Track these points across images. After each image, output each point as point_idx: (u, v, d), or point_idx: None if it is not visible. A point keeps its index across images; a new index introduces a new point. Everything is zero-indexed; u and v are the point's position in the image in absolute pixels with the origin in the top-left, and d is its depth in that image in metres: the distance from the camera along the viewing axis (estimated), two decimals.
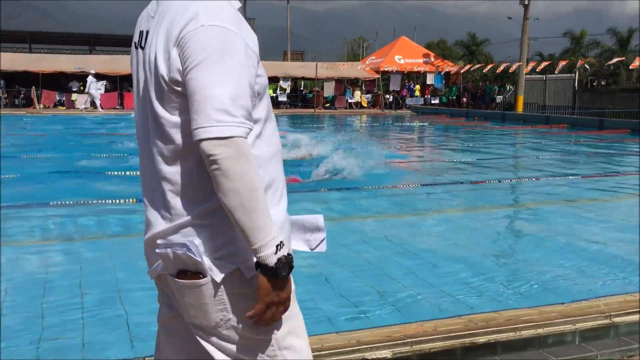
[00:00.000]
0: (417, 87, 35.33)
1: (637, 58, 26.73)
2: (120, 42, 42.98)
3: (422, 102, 34.30)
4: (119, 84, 29.66)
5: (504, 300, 4.08)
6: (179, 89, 1.37)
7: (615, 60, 28.40)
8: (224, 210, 1.35)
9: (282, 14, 50.97)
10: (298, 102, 33.59)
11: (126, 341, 3.31)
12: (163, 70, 1.38)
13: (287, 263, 1.38)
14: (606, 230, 6.20)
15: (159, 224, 1.46)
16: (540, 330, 3.31)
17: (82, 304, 3.81)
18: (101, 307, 3.77)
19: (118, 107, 29.20)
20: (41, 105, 27.75)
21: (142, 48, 1.48)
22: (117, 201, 6.96)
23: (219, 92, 1.30)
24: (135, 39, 1.54)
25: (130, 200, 6.93)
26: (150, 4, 1.53)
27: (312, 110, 30.79)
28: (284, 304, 1.42)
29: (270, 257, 1.35)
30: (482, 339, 3.18)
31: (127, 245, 5.23)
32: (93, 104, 27.58)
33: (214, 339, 1.47)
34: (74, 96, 28.78)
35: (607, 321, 3.48)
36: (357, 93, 34.02)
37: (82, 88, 29.12)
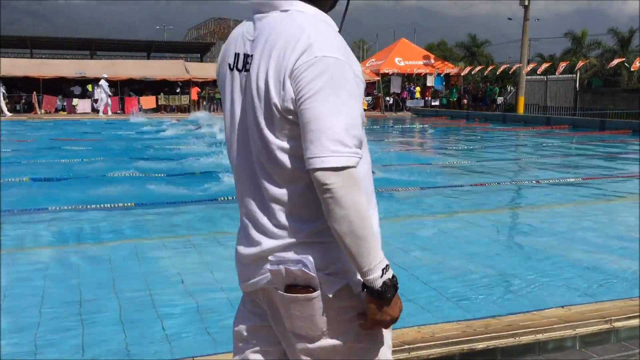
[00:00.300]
0: (418, 89, 35.31)
1: (638, 59, 26.72)
2: (121, 47, 43.08)
3: (423, 104, 34.28)
4: (119, 89, 29.69)
5: (503, 304, 4.06)
6: (291, 117, 1.41)
7: (616, 61, 28.35)
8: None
9: None
10: None
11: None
12: (275, 99, 1.42)
13: (392, 285, 1.45)
14: (607, 233, 6.18)
15: (267, 242, 1.52)
16: (540, 336, 3.29)
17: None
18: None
19: (119, 111, 29.22)
20: (42, 111, 27.80)
21: (240, 71, 1.53)
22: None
23: (334, 122, 1.35)
24: (229, 60, 1.57)
25: None
26: (246, 26, 1.56)
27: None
28: (393, 321, 1.50)
29: (377, 280, 1.42)
30: (480, 345, 3.15)
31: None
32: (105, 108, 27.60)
33: (317, 347, 1.53)
34: (75, 101, 28.82)
35: (607, 326, 3.46)
36: None
37: (89, 89, 29.10)
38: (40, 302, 4.01)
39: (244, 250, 1.60)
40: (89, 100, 29.09)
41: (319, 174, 1.35)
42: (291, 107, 1.40)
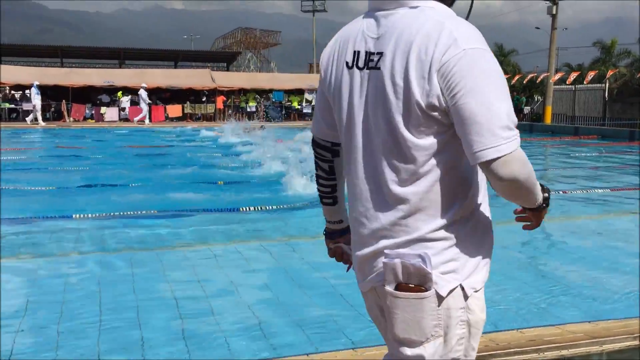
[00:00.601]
0: None
1: None
2: (149, 56, 43.74)
3: None
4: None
5: (527, 317, 3.97)
6: (435, 113, 1.41)
7: None
8: (453, 227, 1.48)
9: (308, 26, 51.27)
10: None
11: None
12: (418, 96, 1.40)
13: (548, 197, 1.60)
14: (636, 246, 6.03)
15: (384, 240, 1.52)
16: (564, 352, 3.21)
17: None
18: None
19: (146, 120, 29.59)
20: (71, 119, 28.28)
21: (361, 69, 1.52)
22: None
23: (498, 111, 1.36)
24: (347, 58, 1.55)
25: None
26: (365, 24, 1.54)
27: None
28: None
29: (539, 201, 1.57)
30: None
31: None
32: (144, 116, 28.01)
33: (417, 353, 1.51)
34: (103, 109, 29.26)
35: (635, 343, 3.35)
36: None
37: (119, 96, 29.53)
38: (98, 306, 4.05)
39: (360, 250, 1.59)
40: (117, 108, 29.51)
41: (499, 162, 1.36)
42: (436, 103, 1.39)
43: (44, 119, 27.36)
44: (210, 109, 30.90)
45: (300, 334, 3.69)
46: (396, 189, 1.48)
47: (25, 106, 28.45)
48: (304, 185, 8.66)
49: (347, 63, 1.55)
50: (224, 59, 48.71)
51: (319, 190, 1.84)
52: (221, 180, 9.94)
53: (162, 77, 31.15)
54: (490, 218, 1.61)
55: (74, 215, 7.00)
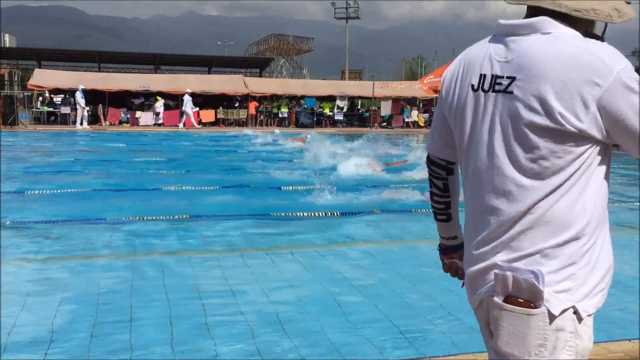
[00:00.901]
0: None
1: None
2: (184, 62, 44.39)
3: None
4: (180, 103, 30.49)
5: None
6: (574, 134, 1.43)
7: None
8: (571, 246, 1.46)
9: (341, 33, 51.38)
10: (354, 121, 33.63)
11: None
12: (560, 118, 1.42)
13: None
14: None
15: (499, 255, 1.53)
16: None
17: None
18: None
19: (179, 125, 30.00)
20: (107, 123, 28.80)
21: (486, 91, 1.55)
22: None
23: None
24: (472, 81, 1.60)
25: None
26: (492, 48, 1.58)
27: (368, 129, 30.73)
28: None
29: None
30: None
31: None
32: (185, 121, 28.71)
33: None
34: (138, 114, 29.74)
35: None
36: (415, 112, 33.78)
37: (157, 99, 30.00)
38: (142, 305, 4.09)
39: (473, 266, 1.61)
40: (151, 113, 29.96)
41: None
42: (583, 124, 1.41)
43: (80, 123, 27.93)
44: (242, 114, 31.16)
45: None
46: (518, 207, 1.50)
47: (63, 109, 29.12)
48: None
49: (472, 86, 1.59)
50: (257, 65, 49.15)
51: (433, 207, 1.89)
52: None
53: (196, 83, 31.55)
54: (609, 241, 1.57)
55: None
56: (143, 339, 3.64)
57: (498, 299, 1.49)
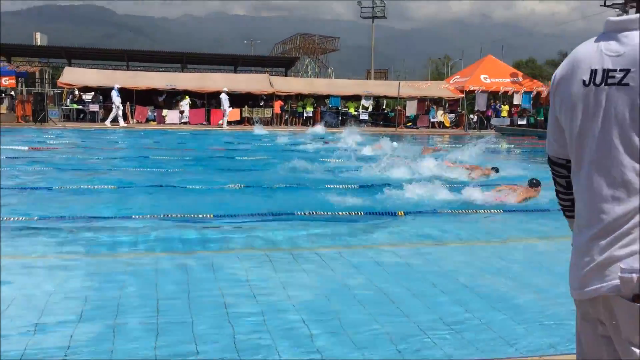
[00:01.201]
0: (505, 107, 34.35)
1: None
2: (210, 61, 44.63)
3: (509, 123, 33.30)
4: (206, 101, 30.71)
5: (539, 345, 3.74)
6: None
7: None
8: None
9: (367, 32, 51.21)
10: (380, 120, 33.49)
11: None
12: None
13: None
14: None
15: (616, 251, 1.58)
16: None
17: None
18: None
19: (205, 122, 30.21)
20: (134, 121, 29.14)
21: (598, 85, 1.61)
22: None
23: None
24: (584, 77, 1.66)
25: None
26: (604, 44, 1.65)
27: (394, 129, 30.59)
28: None
29: None
30: None
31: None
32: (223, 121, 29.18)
33: None
34: (165, 112, 30.03)
35: None
36: (440, 112, 33.51)
37: (184, 98, 30.31)
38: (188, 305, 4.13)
39: (587, 258, 1.65)
40: (177, 111, 30.23)
41: None
42: None
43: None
44: (267, 113, 31.25)
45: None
46: (630, 201, 1.56)
47: (92, 107, 29.55)
48: None
49: (583, 81, 1.66)
50: (283, 64, 49.19)
51: (560, 204, 1.98)
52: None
53: (222, 81, 31.74)
54: None
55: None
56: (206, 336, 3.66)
57: (626, 299, 1.54)
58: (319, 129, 25.66)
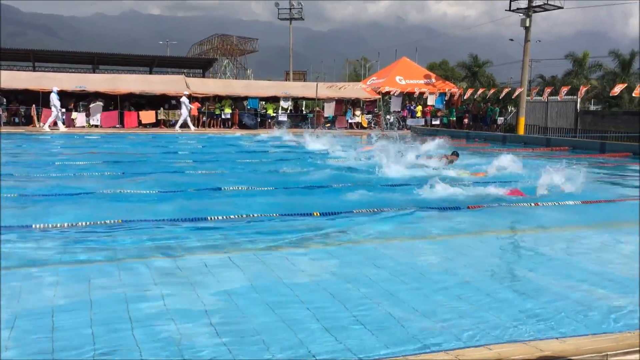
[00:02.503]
0: (419, 108, 35.31)
1: (639, 85, 26.68)
2: (124, 62, 43.25)
3: (423, 123, 34.26)
4: (119, 103, 29.66)
5: (495, 333, 3.87)
6: None
7: (618, 88, 28.36)
8: None
9: (285, 34, 51.23)
10: (299, 121, 33.58)
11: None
12: None
13: None
14: (605, 261, 6.02)
15: None
16: None
17: None
18: None
19: (118, 125, 29.18)
20: (41, 124, 27.69)
21: None
22: None
23: None
24: None
25: None
26: None
27: (312, 130, 30.73)
28: None
29: None
30: None
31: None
32: (185, 124, 28.60)
33: None
34: (74, 114, 28.75)
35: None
36: (358, 113, 34.01)
37: (91, 99, 29.12)
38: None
39: None
40: (84, 114, 29.05)
41: None
42: None
43: (12, 124, 26.83)
44: None
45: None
46: None
47: None
48: None
49: None
50: (200, 65, 48.45)
51: None
52: None
53: (136, 83, 30.78)
54: None
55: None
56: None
57: None
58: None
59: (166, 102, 30.85)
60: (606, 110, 38.74)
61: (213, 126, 31.12)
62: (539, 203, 8.98)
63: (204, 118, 31.15)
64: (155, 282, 4.82)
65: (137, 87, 29.98)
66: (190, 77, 40.79)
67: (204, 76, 45.22)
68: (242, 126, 30.63)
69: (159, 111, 30.12)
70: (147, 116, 29.74)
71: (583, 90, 30.82)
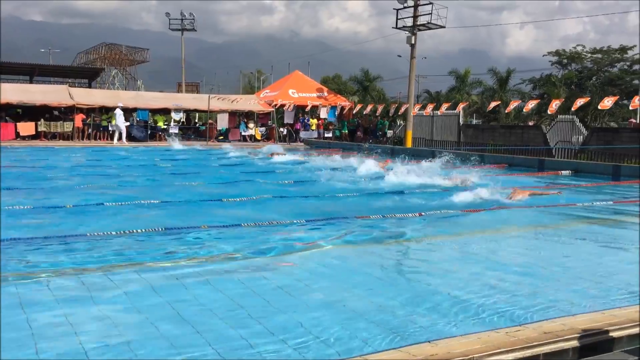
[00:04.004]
0: (313, 121, 35.79)
1: (512, 102, 28.81)
2: (1, 70, 40.45)
3: (317, 136, 34.75)
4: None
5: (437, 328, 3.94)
6: None
7: (493, 104, 30.34)
8: None
9: (178, 45, 50.16)
10: (191, 134, 32.94)
11: None
12: None
13: None
14: (467, 264, 6.34)
15: None
16: None
17: None
18: None
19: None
20: None
21: None
22: None
23: None
24: None
25: None
26: None
27: (205, 142, 30.26)
28: None
29: None
30: None
31: None
32: (120, 136, 28.34)
33: None
34: None
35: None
36: (251, 126, 33.92)
37: None
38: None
39: None
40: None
41: None
42: None
43: None
44: (67, 127, 29.03)
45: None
46: None
47: None
48: None
49: None
50: (86, 75, 46.30)
51: None
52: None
53: (14, 92, 28.83)
54: None
55: None
56: None
57: None
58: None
59: (47, 112, 29.19)
60: (486, 124, 41.28)
61: (100, 138, 29.80)
62: (422, 213, 9.33)
63: (90, 130, 29.73)
64: None
65: (15, 96, 28.10)
66: (75, 87, 38.91)
67: (90, 86, 43.29)
68: (131, 138, 29.56)
69: (39, 122, 28.40)
70: (26, 128, 27.96)
71: (461, 105, 32.82)
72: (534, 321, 4.25)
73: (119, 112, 28.17)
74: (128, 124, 29.23)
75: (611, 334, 4.01)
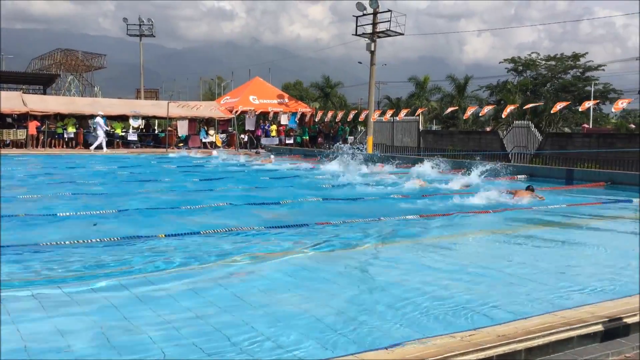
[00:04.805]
0: (274, 127, 35.71)
1: (469, 107, 29.38)
2: None
3: (278, 142, 34.69)
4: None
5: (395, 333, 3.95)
6: None
7: (450, 110, 30.83)
8: None
9: (136, 50, 49.47)
10: (150, 141, 32.47)
11: None
12: None
13: None
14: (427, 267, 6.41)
15: None
16: None
17: None
18: None
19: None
20: None
21: None
22: None
23: None
24: None
25: None
26: None
27: (164, 150, 29.88)
28: None
29: None
30: None
31: None
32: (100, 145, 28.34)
33: None
34: None
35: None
36: (212, 132, 33.65)
37: None
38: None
39: None
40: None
41: None
42: None
43: None
44: (21, 134, 28.25)
45: None
46: None
47: None
48: None
49: None
50: (41, 81, 45.26)
51: None
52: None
53: None
54: None
55: None
56: None
57: None
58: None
59: (0, 120, 28.36)
60: (445, 129, 41.96)
61: (55, 146, 29.09)
62: (382, 218, 9.40)
63: (44, 137, 29.00)
64: None
65: None
66: (30, 93, 37.97)
67: (45, 93, 42.34)
68: (88, 146, 28.96)
69: None
70: None
71: (419, 111, 33.28)
72: (488, 325, 4.31)
73: (100, 121, 28.26)
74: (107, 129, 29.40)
75: (562, 334, 4.10)
